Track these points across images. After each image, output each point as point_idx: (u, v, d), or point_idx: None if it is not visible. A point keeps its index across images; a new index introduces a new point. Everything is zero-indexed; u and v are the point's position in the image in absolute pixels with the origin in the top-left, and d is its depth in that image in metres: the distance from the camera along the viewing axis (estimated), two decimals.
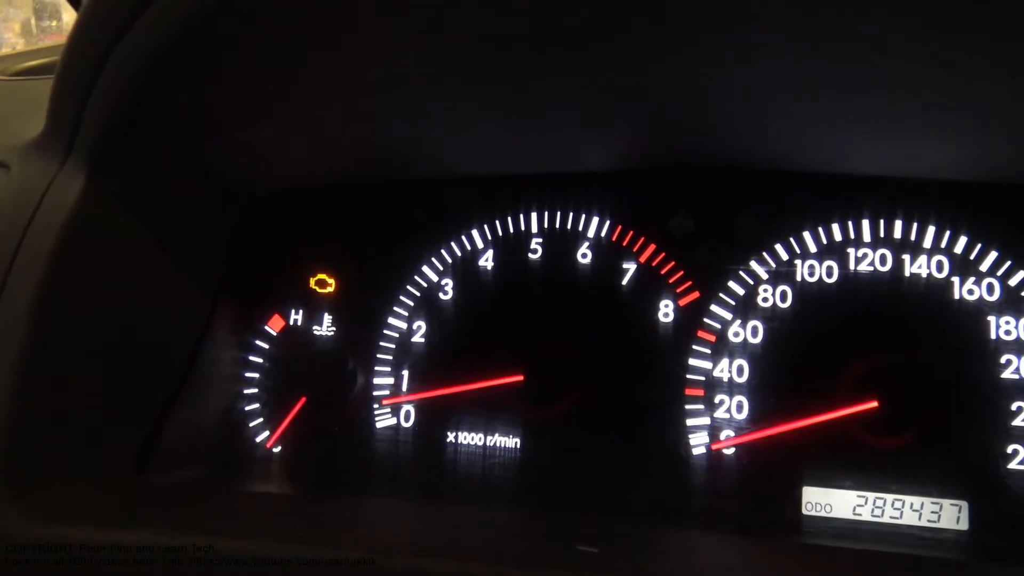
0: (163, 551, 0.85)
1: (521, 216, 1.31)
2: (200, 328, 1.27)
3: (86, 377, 1.07)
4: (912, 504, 1.13)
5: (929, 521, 1.12)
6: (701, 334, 1.23)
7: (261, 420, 1.32)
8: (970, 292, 1.17)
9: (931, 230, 1.19)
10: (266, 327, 1.36)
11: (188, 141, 1.09)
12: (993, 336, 1.15)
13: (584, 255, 1.29)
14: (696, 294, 1.24)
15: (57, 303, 1.01)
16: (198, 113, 1.03)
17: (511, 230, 1.31)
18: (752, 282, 1.23)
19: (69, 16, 3.44)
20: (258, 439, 1.32)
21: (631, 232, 1.27)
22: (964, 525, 1.11)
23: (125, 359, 1.12)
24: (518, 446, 1.25)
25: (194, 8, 0.81)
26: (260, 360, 1.35)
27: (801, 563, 0.99)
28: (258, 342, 1.35)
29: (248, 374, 1.34)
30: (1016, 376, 1.13)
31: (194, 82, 0.94)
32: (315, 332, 1.34)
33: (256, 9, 0.81)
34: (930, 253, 1.19)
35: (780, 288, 1.22)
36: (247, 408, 1.33)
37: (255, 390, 1.34)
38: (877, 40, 0.83)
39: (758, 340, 1.21)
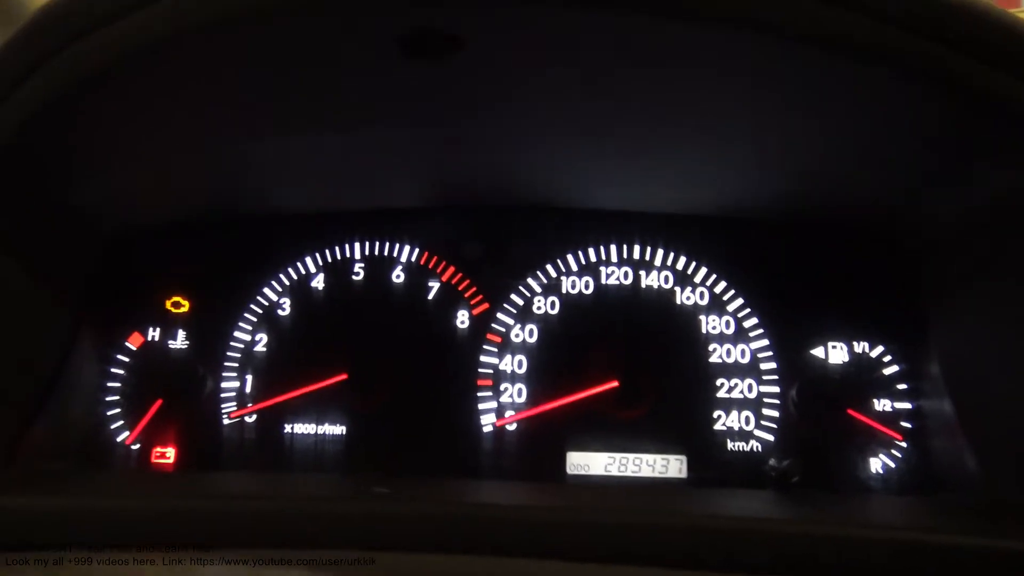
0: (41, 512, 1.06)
1: (346, 245, 1.60)
2: (64, 344, 1.48)
3: None
4: (647, 460, 1.47)
5: (660, 472, 1.47)
6: (490, 336, 1.54)
7: (121, 423, 1.53)
8: (688, 299, 1.54)
9: (660, 252, 1.56)
10: (126, 343, 1.57)
11: (57, 185, 1.31)
12: (704, 331, 1.52)
13: (398, 276, 1.58)
14: (486, 305, 1.56)
15: None
16: (67, 162, 1.26)
17: (338, 257, 1.59)
18: (529, 295, 1.56)
19: None
20: (119, 439, 1.53)
21: (435, 257, 1.58)
22: (684, 474, 1.47)
23: None
24: (344, 433, 1.52)
25: (60, 84, 1.05)
26: (121, 371, 1.56)
27: (560, 492, 1.31)
28: (119, 356, 1.56)
29: (110, 384, 1.55)
30: (719, 360, 1.51)
31: (62, 139, 1.18)
32: (170, 345, 1.57)
33: (118, 88, 1.06)
34: (659, 270, 1.56)
35: (550, 299, 1.56)
36: (109, 413, 1.54)
37: (116, 397, 1.54)
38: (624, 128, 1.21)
39: (534, 340, 1.54)
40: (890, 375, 1.47)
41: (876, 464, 1.44)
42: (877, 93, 1.02)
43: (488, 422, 1.51)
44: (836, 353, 1.50)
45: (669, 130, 1.25)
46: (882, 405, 1.46)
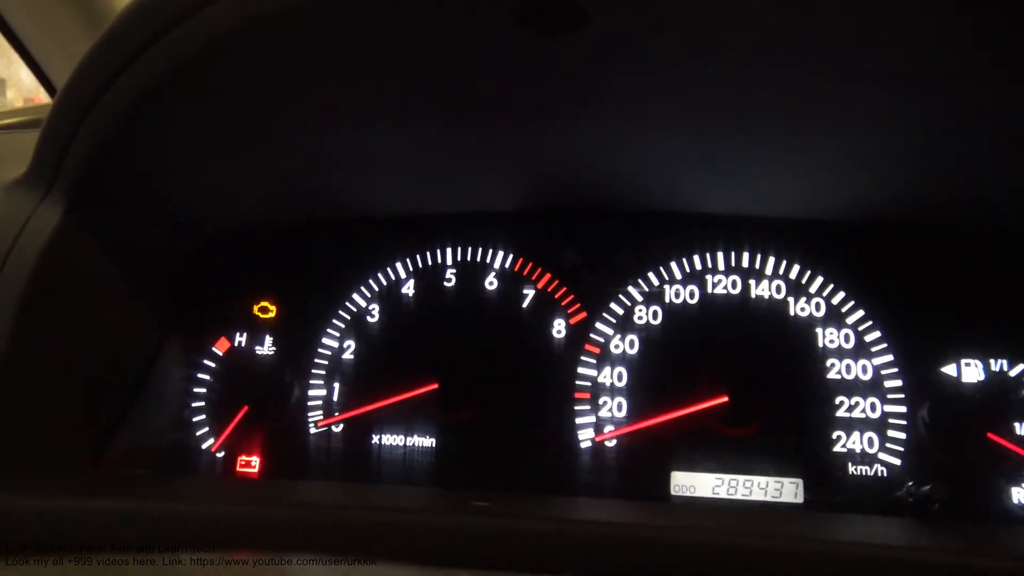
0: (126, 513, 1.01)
1: (437, 250, 1.54)
2: (152, 348, 1.45)
3: (52, 385, 1.22)
4: (759, 483, 1.36)
5: (772, 497, 1.35)
6: (588, 347, 1.46)
7: (207, 429, 1.49)
8: (802, 310, 1.43)
9: (771, 260, 1.45)
10: (213, 348, 1.53)
11: (152, 184, 1.29)
12: (820, 345, 1.41)
13: (491, 283, 1.51)
14: (584, 314, 1.47)
15: (32, 319, 1.16)
16: (164, 159, 1.24)
17: (429, 262, 1.54)
18: (630, 304, 1.47)
19: (13, 93, 3.62)
20: (204, 446, 1.49)
21: (530, 263, 1.51)
22: (800, 499, 1.35)
23: (84, 371, 1.28)
24: (434, 445, 1.45)
25: (164, 69, 1.01)
26: (207, 377, 1.52)
27: (666, 511, 1.21)
28: (206, 361, 1.53)
29: (196, 389, 1.51)
30: (838, 376, 1.39)
31: (163, 133, 1.15)
32: (257, 351, 1.53)
33: (220, 74, 1.02)
34: (770, 279, 1.45)
35: (652, 308, 1.46)
36: (194, 419, 1.50)
37: (202, 403, 1.51)
38: (736, 117, 1.11)
39: (635, 351, 1.45)
40: None
41: (1021, 493, 1.30)
42: None
43: (586, 437, 1.42)
44: (970, 371, 1.36)
45: (797, 128, 1.15)
46: None
